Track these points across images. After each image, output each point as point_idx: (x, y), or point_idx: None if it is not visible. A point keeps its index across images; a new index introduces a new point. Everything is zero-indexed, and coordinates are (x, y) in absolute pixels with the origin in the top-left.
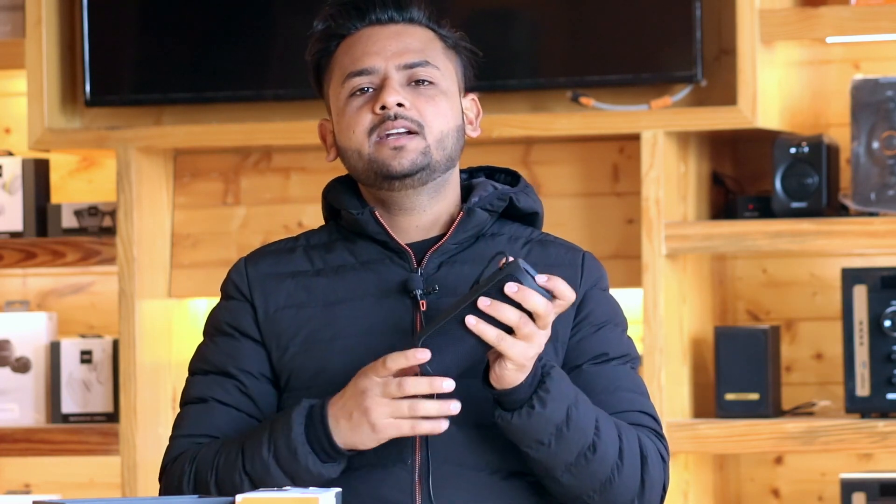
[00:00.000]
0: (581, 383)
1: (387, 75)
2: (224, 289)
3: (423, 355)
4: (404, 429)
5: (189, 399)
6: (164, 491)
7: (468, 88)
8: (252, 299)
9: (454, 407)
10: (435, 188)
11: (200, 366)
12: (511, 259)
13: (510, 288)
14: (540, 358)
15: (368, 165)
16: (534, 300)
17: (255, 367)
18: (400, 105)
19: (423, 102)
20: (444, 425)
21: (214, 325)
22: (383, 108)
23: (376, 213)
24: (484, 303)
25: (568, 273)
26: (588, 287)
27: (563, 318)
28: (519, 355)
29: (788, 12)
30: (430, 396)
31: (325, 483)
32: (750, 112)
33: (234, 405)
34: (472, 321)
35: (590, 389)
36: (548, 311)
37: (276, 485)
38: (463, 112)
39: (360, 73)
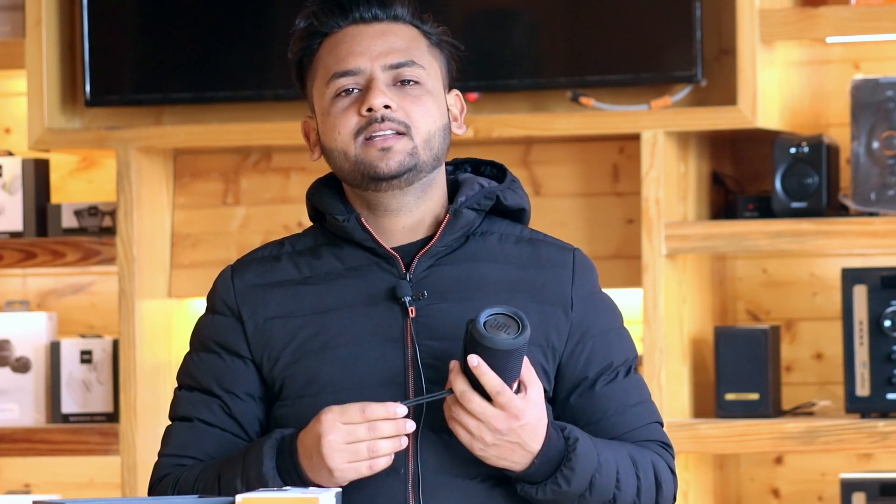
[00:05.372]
0: (594, 404)
1: (372, 76)
2: (210, 301)
3: (401, 410)
4: (362, 470)
5: (175, 416)
6: None
7: (452, 84)
8: (240, 312)
9: (409, 426)
10: (422, 188)
11: (186, 380)
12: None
13: (471, 361)
14: (563, 427)
15: (355, 167)
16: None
17: (240, 387)
18: (387, 107)
19: (410, 103)
20: (404, 442)
21: (200, 340)
22: (370, 110)
23: (362, 219)
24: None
25: (559, 273)
26: (584, 294)
27: (551, 321)
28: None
29: (788, 12)
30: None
31: None
32: (750, 112)
33: (219, 425)
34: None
35: (603, 411)
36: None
37: None
38: (448, 109)
39: (346, 73)
